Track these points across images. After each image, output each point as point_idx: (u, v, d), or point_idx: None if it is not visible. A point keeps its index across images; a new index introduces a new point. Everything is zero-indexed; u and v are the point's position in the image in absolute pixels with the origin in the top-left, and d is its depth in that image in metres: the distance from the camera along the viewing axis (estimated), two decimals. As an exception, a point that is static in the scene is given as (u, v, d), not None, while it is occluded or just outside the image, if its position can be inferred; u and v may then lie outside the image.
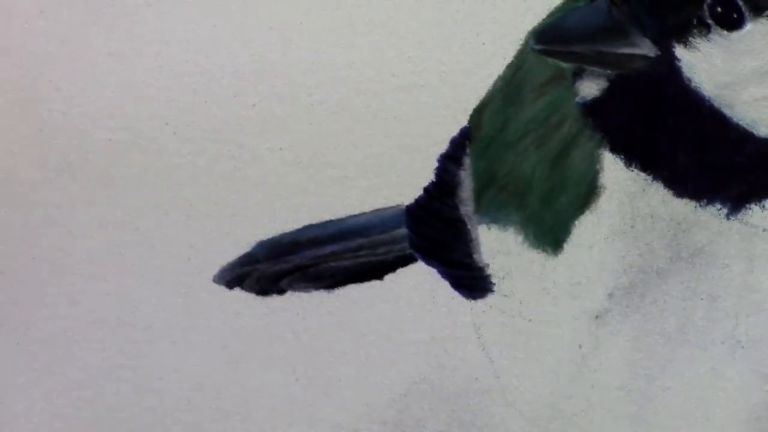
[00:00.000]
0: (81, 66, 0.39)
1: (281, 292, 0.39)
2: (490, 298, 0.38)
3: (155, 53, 0.39)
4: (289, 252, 0.39)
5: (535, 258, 0.38)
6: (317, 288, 0.39)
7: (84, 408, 0.38)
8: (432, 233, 0.39)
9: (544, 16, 0.39)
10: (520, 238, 0.38)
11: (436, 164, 0.39)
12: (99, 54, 0.39)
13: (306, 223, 0.39)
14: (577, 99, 0.37)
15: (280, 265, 0.39)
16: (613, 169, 0.37)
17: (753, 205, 0.37)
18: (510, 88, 0.39)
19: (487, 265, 0.39)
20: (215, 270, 0.39)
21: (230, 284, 0.39)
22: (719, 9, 0.35)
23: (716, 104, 0.36)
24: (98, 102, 0.39)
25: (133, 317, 0.38)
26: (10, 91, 0.39)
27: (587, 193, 0.38)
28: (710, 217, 0.37)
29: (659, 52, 0.36)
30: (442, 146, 0.39)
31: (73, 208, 0.39)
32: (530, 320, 0.38)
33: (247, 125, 0.39)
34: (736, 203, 0.37)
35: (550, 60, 0.37)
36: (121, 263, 0.39)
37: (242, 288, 0.39)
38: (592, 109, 0.37)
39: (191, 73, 0.39)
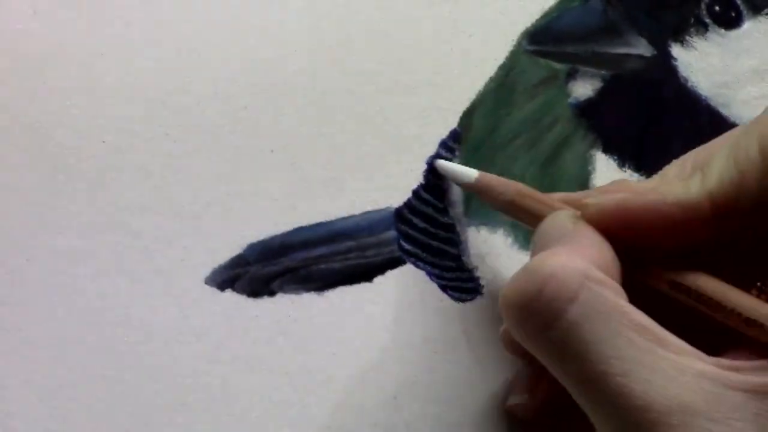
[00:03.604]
0: (75, 67, 0.37)
1: (272, 293, 0.37)
2: (478, 300, 0.37)
3: (148, 55, 0.37)
4: (279, 254, 0.37)
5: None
6: (307, 290, 0.37)
7: (77, 409, 0.35)
8: (421, 236, 0.37)
9: (537, 16, 0.37)
10: (509, 241, 0.37)
11: (425, 167, 0.37)
12: (92, 55, 0.37)
13: (296, 225, 0.37)
14: (570, 100, 0.35)
15: (271, 267, 0.37)
16: (605, 170, 0.35)
17: (748, 206, 0.34)
18: (502, 90, 0.37)
19: (476, 267, 0.37)
20: (207, 271, 0.37)
21: (222, 286, 0.36)
22: (717, 8, 0.33)
23: (713, 104, 0.34)
24: (92, 103, 0.37)
25: (125, 318, 0.36)
26: (4, 92, 0.37)
27: (579, 194, 0.35)
28: (704, 218, 0.34)
29: (655, 52, 0.34)
30: (432, 149, 0.37)
31: (67, 210, 0.37)
32: (519, 322, 0.35)
33: (239, 127, 0.37)
34: (731, 204, 0.34)
35: (543, 61, 0.36)
36: (114, 264, 0.36)
37: (234, 289, 0.37)
38: (585, 109, 0.35)
39: (184, 75, 0.37)
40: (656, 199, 0.26)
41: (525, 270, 0.26)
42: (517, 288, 0.26)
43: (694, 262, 0.27)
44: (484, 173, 0.33)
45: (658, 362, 0.24)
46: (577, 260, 0.25)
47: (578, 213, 0.28)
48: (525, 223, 0.31)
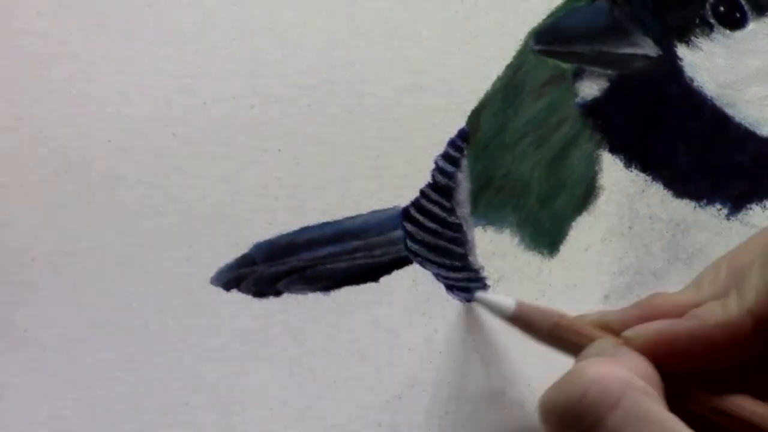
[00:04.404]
0: (80, 67, 0.37)
1: (278, 293, 0.37)
2: (484, 300, 0.37)
3: (154, 54, 0.37)
4: (286, 254, 0.37)
5: (531, 260, 0.37)
6: (314, 290, 0.37)
7: (83, 409, 0.36)
8: (428, 235, 0.37)
9: (544, 16, 0.37)
10: (516, 240, 0.37)
11: (433, 166, 0.37)
12: (98, 55, 0.37)
13: (303, 224, 0.37)
14: (577, 99, 0.35)
15: (277, 267, 0.37)
16: (612, 169, 0.35)
17: (754, 205, 0.35)
18: (509, 89, 0.37)
19: (483, 267, 0.37)
20: (213, 271, 0.37)
21: (227, 286, 0.37)
22: (722, 8, 0.33)
23: (718, 104, 0.34)
24: (97, 103, 0.37)
25: (131, 318, 0.36)
26: (10, 92, 0.37)
27: (585, 194, 0.36)
28: (710, 217, 0.35)
29: (661, 52, 0.34)
30: (440, 148, 0.37)
31: (72, 209, 0.37)
32: (524, 322, 0.36)
33: (246, 127, 0.37)
34: (736, 203, 0.35)
35: (550, 60, 0.36)
36: (120, 264, 0.37)
37: (239, 289, 0.37)
38: (592, 109, 0.35)
39: (190, 75, 0.37)
40: (697, 325, 0.27)
41: (567, 376, 0.26)
42: (559, 392, 0.26)
43: (737, 383, 0.27)
44: (522, 303, 0.33)
45: None
46: (620, 369, 0.26)
47: (620, 341, 0.28)
48: (565, 352, 0.31)
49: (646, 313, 0.29)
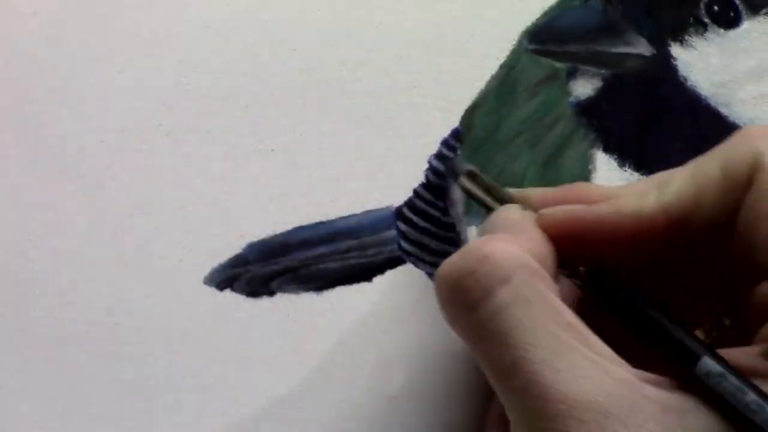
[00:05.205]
0: (74, 67, 0.38)
1: (271, 293, 0.37)
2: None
3: (148, 54, 0.38)
4: (279, 253, 0.37)
5: None
6: (307, 290, 0.37)
7: (77, 409, 0.35)
8: (421, 235, 0.37)
9: (538, 15, 0.37)
10: (510, 240, 0.36)
11: (426, 165, 0.37)
12: (92, 55, 0.38)
13: (296, 224, 0.37)
14: (571, 99, 0.36)
15: (270, 267, 0.37)
16: (606, 169, 0.35)
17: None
18: (503, 88, 0.38)
19: (477, 267, 0.36)
20: (206, 271, 0.37)
21: (221, 286, 0.37)
22: (716, 8, 0.33)
23: (712, 103, 0.34)
24: (91, 103, 0.38)
25: (124, 318, 0.37)
26: (3, 92, 0.37)
27: (580, 193, 0.35)
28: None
29: (655, 51, 0.34)
30: (433, 147, 0.38)
31: (66, 209, 0.37)
32: (520, 322, 0.35)
33: (239, 126, 0.38)
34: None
35: (544, 60, 0.36)
36: (113, 264, 0.37)
37: (232, 289, 0.37)
38: (586, 108, 0.35)
39: (184, 75, 0.38)
40: (610, 212, 0.27)
41: (464, 248, 0.26)
42: (452, 264, 0.26)
43: (649, 278, 0.27)
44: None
45: (578, 359, 0.24)
46: (515, 247, 0.26)
47: (527, 212, 0.28)
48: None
49: (569, 197, 0.28)
